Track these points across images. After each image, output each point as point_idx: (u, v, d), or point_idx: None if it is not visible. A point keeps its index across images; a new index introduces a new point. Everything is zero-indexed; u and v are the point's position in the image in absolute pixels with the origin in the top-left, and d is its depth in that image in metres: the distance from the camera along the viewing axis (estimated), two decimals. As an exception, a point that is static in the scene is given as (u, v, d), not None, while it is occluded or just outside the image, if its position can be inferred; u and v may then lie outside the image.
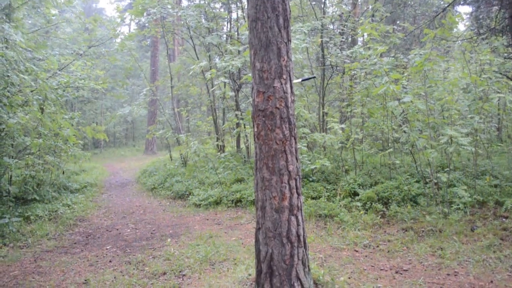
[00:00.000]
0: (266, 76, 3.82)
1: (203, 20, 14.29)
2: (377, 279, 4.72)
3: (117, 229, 8.03)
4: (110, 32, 15.76)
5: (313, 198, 8.35)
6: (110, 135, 35.12)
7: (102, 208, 10.22)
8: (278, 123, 3.82)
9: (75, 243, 7.10)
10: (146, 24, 17.72)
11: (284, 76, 3.84)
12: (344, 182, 8.56)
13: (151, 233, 7.58)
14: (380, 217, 7.09)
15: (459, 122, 7.96)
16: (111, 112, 32.75)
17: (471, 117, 7.55)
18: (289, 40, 3.91)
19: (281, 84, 3.82)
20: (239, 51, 12.20)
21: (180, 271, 5.29)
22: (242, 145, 14.80)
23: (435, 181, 7.46)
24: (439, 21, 11.86)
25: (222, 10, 16.78)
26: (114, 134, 36.20)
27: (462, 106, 8.56)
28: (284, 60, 3.84)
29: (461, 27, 22.39)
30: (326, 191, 8.48)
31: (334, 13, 14.59)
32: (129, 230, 7.90)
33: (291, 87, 3.93)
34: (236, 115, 12.17)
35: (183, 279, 5.03)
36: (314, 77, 4.59)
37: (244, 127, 12.08)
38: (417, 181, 7.98)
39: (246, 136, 12.58)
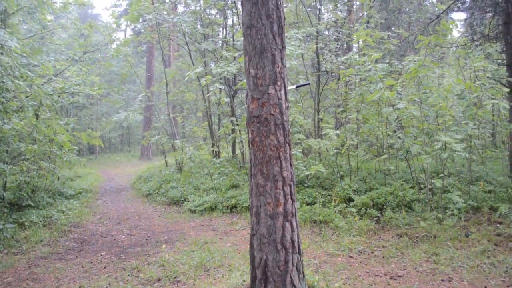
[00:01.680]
0: (260, 83, 3.84)
1: (198, 26, 14.34)
2: (371, 285, 4.73)
3: (112, 235, 8.01)
4: (106, 38, 15.80)
5: (308, 204, 8.36)
6: (106, 141, 35.02)
7: (97, 214, 10.19)
8: (273, 129, 3.83)
9: (69, 250, 7.08)
10: (142, 30, 17.75)
11: (279, 83, 3.86)
12: (339, 188, 8.58)
13: (146, 239, 7.56)
14: (375, 223, 7.11)
15: (453, 128, 7.99)
16: (106, 118, 32.74)
17: (465, 123, 7.59)
18: (283, 47, 3.93)
19: (276, 90, 3.84)
20: (234, 57, 12.24)
21: (175, 278, 5.28)
22: (238, 151, 14.82)
23: (430, 187, 7.49)
24: (433, 28, 11.93)
25: (217, 16, 16.85)
26: (109, 140, 36.12)
27: (456, 112, 8.60)
28: (278, 66, 3.86)
29: (455, 33, 22.55)
30: (321, 197, 8.49)
31: (329, 19, 14.67)
32: (124, 236, 7.88)
33: (286, 94, 3.95)
34: (232, 121, 12.19)
35: (177, 286, 5.02)
36: (309, 84, 4.61)
37: (240, 133, 12.10)
38: (412, 187, 8.01)
39: (241, 142, 12.60)
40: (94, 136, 11.46)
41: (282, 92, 3.90)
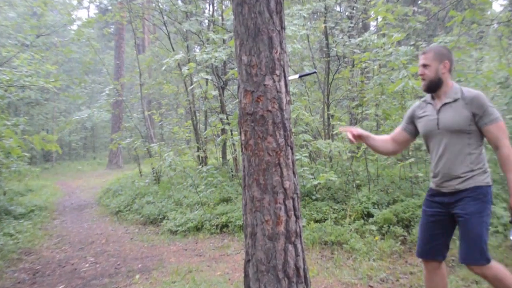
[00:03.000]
0: (255, 72, 3.83)
1: (179, 2, 14.36)
2: (396, 322, 4.73)
3: (73, 264, 7.99)
4: (64, 17, 15.80)
5: (317, 221, 8.36)
6: (65, 146, 35.00)
7: (54, 238, 10.16)
8: (271, 129, 3.82)
9: (18, 283, 7.05)
10: (109, 7, 17.76)
11: (277, 72, 3.85)
12: (355, 200, 8.58)
13: (115, 268, 7.55)
14: (400, 244, 7.11)
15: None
16: (65, 117, 32.73)
17: (511, 118, 7.60)
18: (282, 28, 3.93)
19: (274, 81, 3.83)
20: (224, 40, 12.24)
21: (151, 315, 5.27)
22: (229, 156, 14.80)
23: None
24: (469, 1, 11.97)
25: (202, -11, 16.86)
26: (69, 144, 36.11)
27: (499, 105, 8.62)
28: (276, 52, 3.85)
29: (496, 7, 22.62)
30: (333, 212, 8.50)
31: (340, -8, 14.70)
32: (87, 265, 7.86)
33: (286, 85, 3.94)
34: (221, 119, 12.19)
35: (155, 325, 5.01)
36: (315, 72, 4.60)
37: (231, 134, 12.09)
38: None
39: (233, 145, 12.59)
40: (50, 140, 11.40)
41: (282, 83, 3.89)
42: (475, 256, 3.76)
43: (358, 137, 4.25)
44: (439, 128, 3.89)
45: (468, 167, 3.79)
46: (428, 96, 4.14)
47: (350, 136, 4.19)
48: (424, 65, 3.95)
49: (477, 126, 3.78)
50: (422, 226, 4.15)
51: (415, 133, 4.26)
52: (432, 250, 4.05)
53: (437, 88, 3.95)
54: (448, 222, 3.98)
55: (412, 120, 4.23)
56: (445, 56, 3.98)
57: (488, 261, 3.77)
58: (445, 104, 3.92)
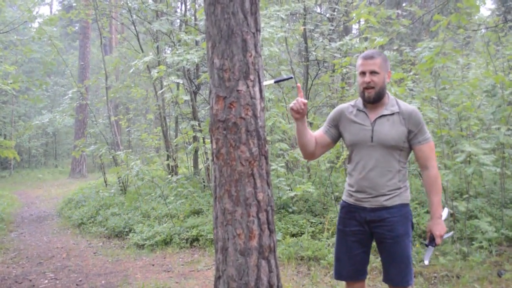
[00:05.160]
0: (227, 77, 3.84)
1: (149, 0, 14.31)
2: None
3: (30, 280, 7.88)
4: (25, 14, 15.64)
5: (293, 235, 8.37)
6: (24, 152, 34.57)
7: (10, 252, 10.02)
8: (244, 137, 3.83)
9: (-29, 300, 6.95)
10: (74, 4, 17.62)
11: (251, 77, 3.87)
12: (333, 213, 8.62)
13: (77, 284, 7.47)
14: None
15: (481, 134, 8.09)
16: (25, 122, 32.30)
17: (497, 128, 7.68)
18: (257, 30, 3.95)
19: (248, 86, 3.85)
20: (196, 42, 12.24)
21: (114, 336, 5.22)
22: (201, 165, 14.76)
23: (451, 211, 7.56)
24: (455, 4, 12.15)
25: (174, -13, 16.84)
26: (29, 151, 35.66)
27: (485, 114, 8.71)
28: (251, 55, 3.87)
29: (484, 11, 23.02)
30: (310, 226, 8.52)
31: (321, -8, 14.81)
32: (46, 281, 7.76)
33: (261, 91, 3.95)
34: (193, 125, 12.16)
35: None
36: (291, 77, 4.57)
37: (203, 142, 12.08)
38: (427, 211, 8.07)
39: (205, 153, 12.57)
40: (7, 146, 11.30)
41: (256, 88, 3.91)
42: (407, 278, 3.82)
43: (298, 112, 3.94)
44: (372, 140, 3.77)
45: (396, 185, 3.78)
46: (359, 103, 3.97)
47: (297, 107, 3.90)
48: (373, 72, 3.75)
49: (409, 144, 3.78)
50: (342, 247, 4.09)
51: (336, 138, 4.11)
52: (357, 271, 4.04)
53: (380, 99, 3.82)
54: (368, 239, 3.98)
55: (336, 124, 4.07)
56: (388, 64, 3.89)
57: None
58: (382, 116, 3.81)
